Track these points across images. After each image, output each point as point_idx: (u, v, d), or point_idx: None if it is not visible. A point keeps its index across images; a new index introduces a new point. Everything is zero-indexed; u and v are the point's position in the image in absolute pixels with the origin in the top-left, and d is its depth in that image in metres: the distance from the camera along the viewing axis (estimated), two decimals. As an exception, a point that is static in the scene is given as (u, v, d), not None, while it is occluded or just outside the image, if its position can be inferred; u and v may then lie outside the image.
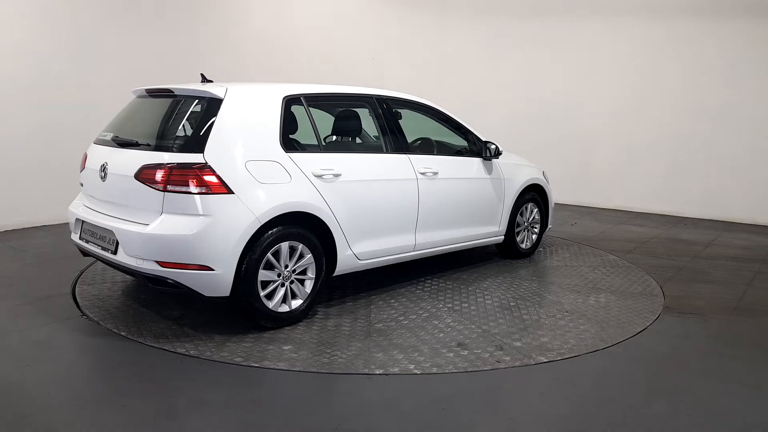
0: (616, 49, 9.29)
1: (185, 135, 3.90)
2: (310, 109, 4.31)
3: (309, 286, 4.08)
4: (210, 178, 3.59)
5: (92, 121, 6.84)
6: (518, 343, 3.84)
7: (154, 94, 4.31)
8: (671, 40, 8.88)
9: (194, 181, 3.57)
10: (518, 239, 5.93)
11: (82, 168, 4.40)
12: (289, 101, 4.18)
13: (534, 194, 6.02)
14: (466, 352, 3.67)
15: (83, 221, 4.19)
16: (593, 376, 3.45)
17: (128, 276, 4.61)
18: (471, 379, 3.33)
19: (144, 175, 3.68)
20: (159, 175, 3.61)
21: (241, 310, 3.89)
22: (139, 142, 3.98)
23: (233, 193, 3.64)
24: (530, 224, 6.07)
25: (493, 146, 5.45)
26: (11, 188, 6.44)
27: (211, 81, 4.34)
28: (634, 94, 9.22)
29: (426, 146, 5.35)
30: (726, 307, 4.73)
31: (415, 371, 3.38)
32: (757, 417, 3.02)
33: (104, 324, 3.93)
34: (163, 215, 3.61)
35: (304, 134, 4.40)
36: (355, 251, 4.34)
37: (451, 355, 3.63)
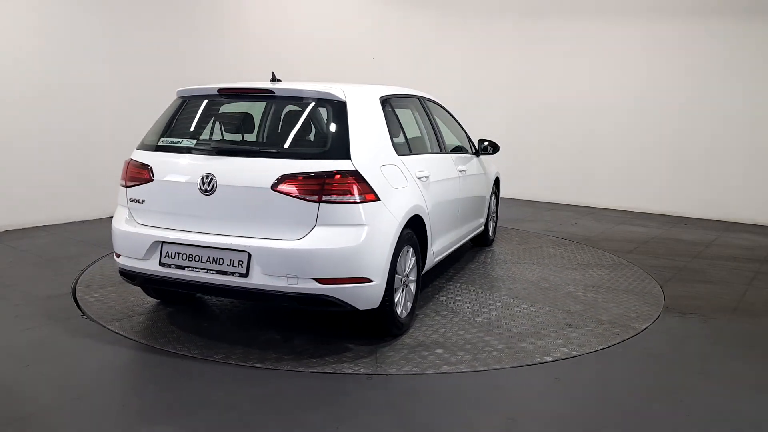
0: (616, 49, 9.28)
1: (321, 140, 3.66)
2: (396, 111, 4.28)
3: (413, 288, 4.00)
4: (362, 185, 3.42)
5: (92, 121, 6.89)
6: (605, 317, 4.26)
7: (232, 94, 3.95)
8: (672, 40, 8.87)
9: (352, 189, 3.37)
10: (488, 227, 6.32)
11: (138, 182, 3.71)
12: (383, 103, 4.03)
13: (494, 186, 6.38)
14: (582, 330, 3.95)
15: (164, 243, 3.53)
16: (593, 376, 3.45)
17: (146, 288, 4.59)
18: (470, 378, 3.33)
19: (289, 185, 3.35)
20: (312, 186, 3.33)
21: (376, 321, 3.66)
22: (262, 150, 3.71)
23: (379, 199, 3.49)
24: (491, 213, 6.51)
25: (486, 143, 5.81)
26: (12, 188, 6.43)
27: (280, 80, 4.14)
28: (634, 95, 9.21)
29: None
30: (726, 307, 4.73)
31: (575, 353, 3.64)
32: (757, 417, 3.02)
33: (105, 324, 3.93)
34: (316, 228, 3.32)
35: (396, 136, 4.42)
36: (434, 250, 4.39)
37: (575, 335, 3.86)
